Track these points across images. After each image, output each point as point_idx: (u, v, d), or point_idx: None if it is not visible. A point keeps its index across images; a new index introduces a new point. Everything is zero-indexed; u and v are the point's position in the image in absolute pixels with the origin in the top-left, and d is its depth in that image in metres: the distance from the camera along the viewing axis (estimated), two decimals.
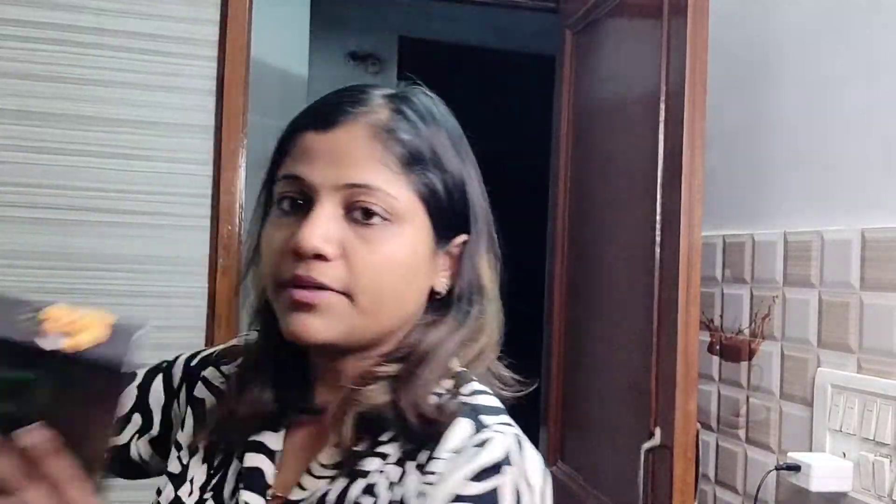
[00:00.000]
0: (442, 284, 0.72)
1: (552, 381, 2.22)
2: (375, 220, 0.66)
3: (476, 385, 0.71)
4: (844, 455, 1.41)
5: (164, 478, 0.76)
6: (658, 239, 1.65)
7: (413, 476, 0.65)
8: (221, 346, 0.84)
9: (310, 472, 0.69)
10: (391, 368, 0.69)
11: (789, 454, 1.48)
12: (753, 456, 1.67)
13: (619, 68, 1.95)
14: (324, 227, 0.64)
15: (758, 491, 1.58)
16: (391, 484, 0.65)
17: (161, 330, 1.85)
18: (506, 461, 0.63)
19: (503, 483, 0.62)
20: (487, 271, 0.73)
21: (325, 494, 0.67)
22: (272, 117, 2.52)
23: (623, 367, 1.80)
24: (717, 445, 1.80)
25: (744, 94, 1.80)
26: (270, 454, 0.72)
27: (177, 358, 0.85)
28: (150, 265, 1.84)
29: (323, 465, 0.69)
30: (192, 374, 0.82)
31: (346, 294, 0.65)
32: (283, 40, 2.80)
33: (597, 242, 2.02)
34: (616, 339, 1.86)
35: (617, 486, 1.76)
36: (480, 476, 0.62)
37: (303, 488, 0.69)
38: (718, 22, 1.66)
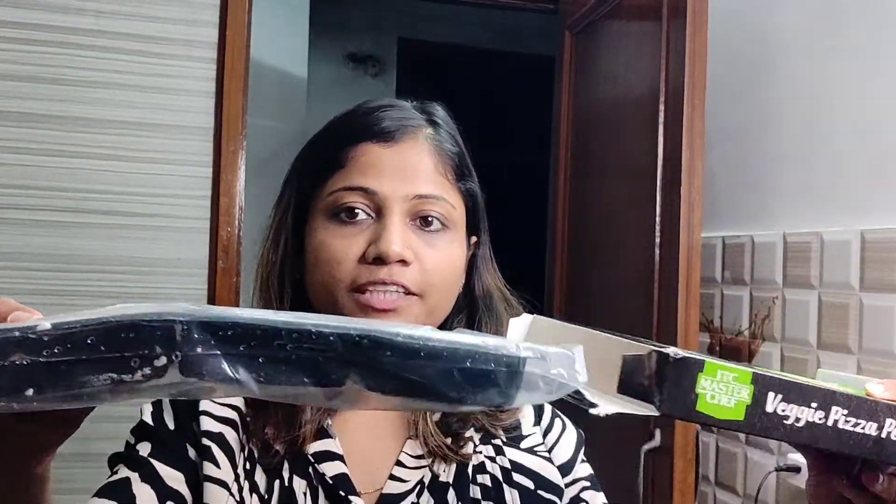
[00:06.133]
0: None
1: None
2: (436, 225, 0.72)
3: None
4: None
5: None
6: (658, 240, 1.65)
7: (510, 450, 0.77)
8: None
9: (401, 464, 0.74)
10: None
11: (789, 455, 1.48)
12: (753, 457, 1.67)
13: (618, 69, 1.95)
14: (403, 235, 0.70)
15: (758, 492, 1.57)
16: (490, 459, 0.76)
17: None
18: (581, 431, 0.82)
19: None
20: (494, 270, 0.81)
21: (434, 478, 0.74)
22: (272, 119, 2.52)
23: None
24: (717, 447, 1.80)
25: (744, 94, 1.80)
26: (342, 459, 0.74)
27: (149, 417, 0.76)
28: (150, 267, 1.84)
29: (413, 456, 0.75)
30: (187, 411, 0.75)
31: (419, 295, 0.71)
32: (283, 42, 2.80)
33: (596, 243, 2.02)
34: None
35: (617, 488, 1.76)
36: (583, 450, 0.82)
37: (400, 480, 0.74)
38: (718, 22, 1.66)
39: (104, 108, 1.83)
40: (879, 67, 1.43)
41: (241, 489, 0.71)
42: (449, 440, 0.74)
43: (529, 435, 0.79)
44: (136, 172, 1.84)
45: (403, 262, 0.70)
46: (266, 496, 0.72)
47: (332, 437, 0.74)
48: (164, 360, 0.38)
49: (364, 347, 0.40)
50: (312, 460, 0.73)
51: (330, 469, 0.73)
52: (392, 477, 0.73)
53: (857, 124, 1.48)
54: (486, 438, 0.77)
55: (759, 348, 1.67)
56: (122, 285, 1.82)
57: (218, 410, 0.74)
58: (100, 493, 0.70)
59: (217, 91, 1.87)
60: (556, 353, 0.43)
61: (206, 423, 0.73)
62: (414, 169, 0.72)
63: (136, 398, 0.40)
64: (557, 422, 0.81)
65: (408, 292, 0.70)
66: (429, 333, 0.41)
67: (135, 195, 1.84)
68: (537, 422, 0.81)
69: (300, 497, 0.72)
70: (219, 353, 0.39)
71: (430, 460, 0.74)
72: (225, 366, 0.39)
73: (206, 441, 0.72)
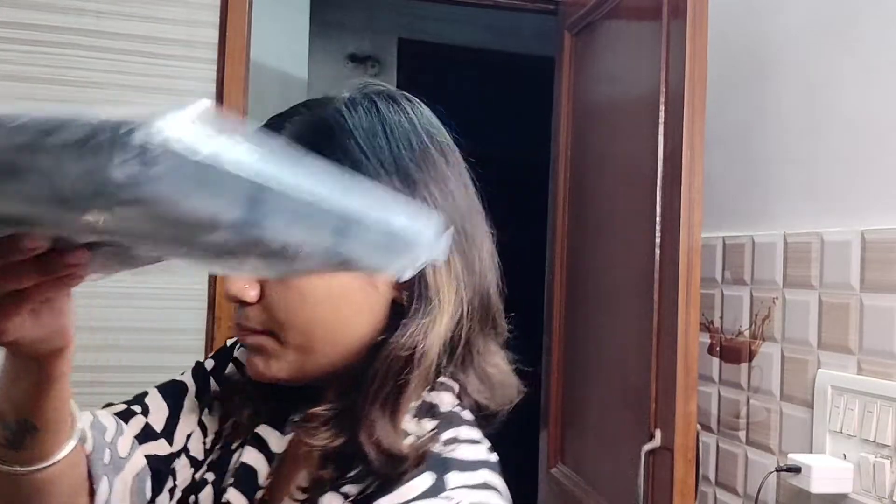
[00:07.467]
0: (402, 296, 0.67)
1: (552, 382, 2.22)
2: None
3: (461, 431, 0.65)
4: (845, 456, 1.41)
5: (182, 459, 0.75)
6: (658, 240, 1.65)
7: (383, 500, 0.61)
8: None
9: (290, 495, 0.69)
10: (330, 408, 0.66)
11: (790, 456, 1.48)
12: (754, 457, 1.67)
13: (618, 70, 1.95)
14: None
15: (758, 493, 1.57)
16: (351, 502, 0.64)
17: (161, 332, 1.85)
18: None
19: None
20: (437, 276, 0.66)
21: None
22: None
23: (623, 368, 1.80)
24: (718, 447, 1.80)
25: (744, 94, 1.80)
26: (270, 455, 0.72)
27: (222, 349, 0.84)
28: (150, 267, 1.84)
29: (299, 488, 0.68)
30: (228, 355, 0.81)
31: (271, 334, 0.66)
32: (283, 43, 2.80)
33: (596, 244, 2.02)
34: (616, 340, 1.86)
35: (617, 488, 1.76)
36: None
37: (293, 499, 0.69)
38: (718, 22, 1.66)
39: (105, 108, 1.83)
40: (880, 67, 1.43)
41: (216, 439, 0.76)
42: (327, 475, 0.66)
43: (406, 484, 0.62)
44: None
45: (245, 302, 0.66)
46: (211, 447, 0.76)
47: (287, 434, 0.72)
48: None
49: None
50: (253, 439, 0.73)
51: (248, 457, 0.72)
52: (290, 496, 0.70)
53: (857, 124, 1.48)
54: (361, 500, 0.63)
55: (760, 348, 1.67)
56: (123, 285, 1.82)
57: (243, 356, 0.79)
58: (160, 387, 0.78)
59: (217, 92, 1.88)
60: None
61: (229, 370, 0.79)
62: None
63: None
64: (425, 478, 0.61)
65: (261, 332, 0.66)
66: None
67: None
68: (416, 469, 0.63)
69: (233, 462, 0.73)
70: None
71: (305, 496, 0.68)
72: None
73: (217, 385, 0.78)
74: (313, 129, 0.66)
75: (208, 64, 1.88)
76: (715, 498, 1.80)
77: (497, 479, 0.64)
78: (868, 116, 1.45)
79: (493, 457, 0.66)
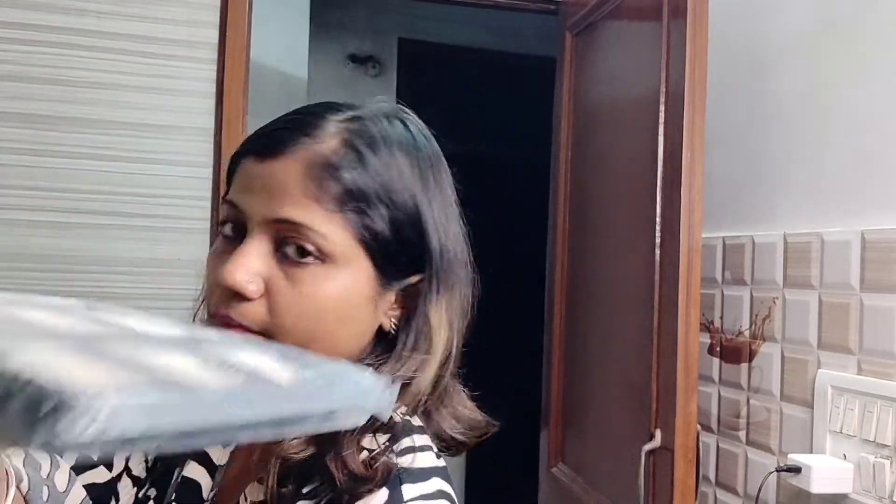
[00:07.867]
0: (390, 324, 0.67)
1: (552, 382, 2.22)
2: (307, 259, 0.61)
3: (415, 439, 0.65)
4: (845, 457, 1.41)
5: (125, 479, 0.74)
6: (658, 240, 1.65)
7: None
8: None
9: (244, 499, 0.67)
10: None
11: (790, 456, 1.48)
12: (754, 458, 1.67)
13: (618, 70, 1.96)
14: (249, 263, 0.61)
15: (758, 493, 1.57)
16: None
17: None
18: None
19: None
20: (437, 314, 0.66)
21: None
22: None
23: (623, 368, 1.80)
24: (718, 447, 1.80)
25: (744, 94, 1.80)
26: (212, 468, 0.70)
27: None
28: (150, 267, 1.84)
29: (249, 501, 0.66)
30: None
31: (268, 335, 0.61)
32: (283, 43, 2.80)
33: (596, 244, 2.02)
34: (616, 340, 1.86)
35: (617, 488, 1.76)
36: None
37: None
38: (718, 22, 1.66)
39: (105, 108, 1.83)
40: (880, 67, 1.43)
41: (156, 457, 0.74)
42: (284, 489, 0.64)
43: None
44: (136, 173, 1.84)
45: (244, 296, 0.61)
46: (153, 464, 0.74)
47: (225, 445, 0.70)
48: None
49: None
50: (194, 452, 0.71)
51: (190, 471, 0.71)
52: None
53: (857, 124, 1.48)
54: (320, 492, 0.62)
55: (760, 348, 1.67)
56: (123, 286, 1.82)
57: None
58: None
59: (217, 92, 1.87)
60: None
61: None
62: (280, 189, 0.61)
63: None
64: (381, 493, 0.61)
65: (254, 332, 0.61)
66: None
67: (135, 196, 1.84)
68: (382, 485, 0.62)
69: (175, 477, 0.71)
70: None
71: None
72: None
73: None
74: (360, 136, 0.64)
75: (208, 64, 1.88)
76: (715, 498, 1.80)
77: (447, 486, 0.64)
78: (868, 116, 1.45)
79: (442, 462, 0.66)
